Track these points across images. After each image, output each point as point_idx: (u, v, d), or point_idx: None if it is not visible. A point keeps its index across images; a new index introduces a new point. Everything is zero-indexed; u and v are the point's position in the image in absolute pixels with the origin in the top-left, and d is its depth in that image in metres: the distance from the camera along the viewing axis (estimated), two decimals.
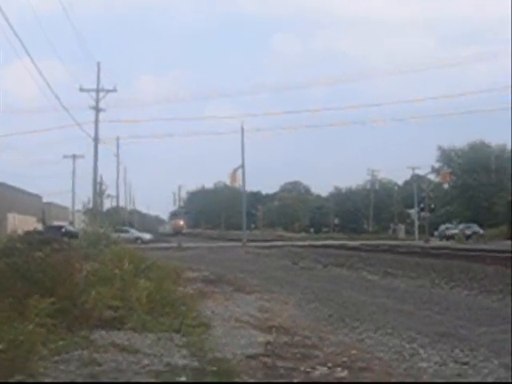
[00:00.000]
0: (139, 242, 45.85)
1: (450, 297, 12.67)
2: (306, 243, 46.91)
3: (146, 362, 6.06)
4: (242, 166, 48.26)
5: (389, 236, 76.03)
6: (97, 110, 42.26)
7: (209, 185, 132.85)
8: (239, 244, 44.73)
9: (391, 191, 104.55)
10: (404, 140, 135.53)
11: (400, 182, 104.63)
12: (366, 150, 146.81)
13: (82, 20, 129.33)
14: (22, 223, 46.88)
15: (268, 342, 7.43)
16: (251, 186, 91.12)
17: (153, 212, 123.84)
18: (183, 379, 5.51)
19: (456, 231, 63.41)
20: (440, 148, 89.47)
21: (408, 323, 9.18)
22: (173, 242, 48.05)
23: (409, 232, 75.28)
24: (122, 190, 72.24)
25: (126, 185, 78.93)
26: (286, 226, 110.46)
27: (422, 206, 75.58)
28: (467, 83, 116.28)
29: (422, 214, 75.72)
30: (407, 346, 7.50)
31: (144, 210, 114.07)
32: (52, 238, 15.47)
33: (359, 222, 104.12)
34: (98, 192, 39.28)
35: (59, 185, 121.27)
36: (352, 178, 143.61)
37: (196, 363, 6.11)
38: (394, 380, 5.95)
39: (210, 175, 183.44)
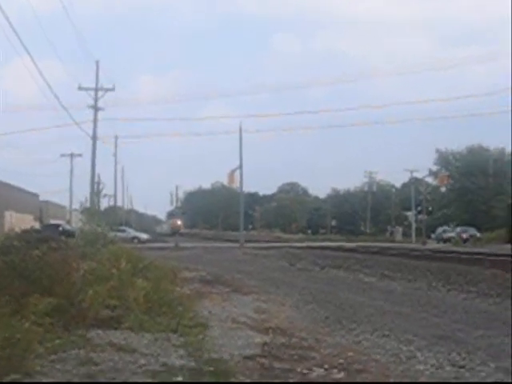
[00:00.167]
0: (136, 241, 45.88)
1: (447, 299, 12.67)
2: (304, 244, 46.96)
3: (142, 361, 6.06)
4: (240, 166, 48.27)
5: (386, 238, 76.17)
6: (95, 108, 42.25)
7: (206, 185, 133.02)
8: (236, 245, 44.74)
9: (389, 193, 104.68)
10: (402, 142, 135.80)
11: (398, 185, 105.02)
12: (364, 152, 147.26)
13: (82, 20, 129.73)
14: (19, 221, 46.79)
15: (265, 343, 7.42)
16: (249, 187, 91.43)
17: (150, 212, 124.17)
18: (180, 379, 5.51)
19: (453, 234, 63.56)
20: (438, 151, 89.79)
21: (405, 325, 9.17)
22: (170, 242, 48.06)
23: (406, 234, 75.41)
24: (119, 190, 72.26)
25: (124, 184, 79.04)
26: (283, 227, 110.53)
27: (419, 208, 75.71)
28: (466, 84, 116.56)
29: (420, 216, 75.80)
30: (404, 348, 7.49)
31: (141, 210, 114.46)
32: (49, 236, 15.43)
33: (357, 223, 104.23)
34: (96, 191, 39.22)
35: (58, 183, 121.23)
36: (350, 180, 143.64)
37: (193, 363, 6.10)
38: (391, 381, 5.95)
39: (208, 175, 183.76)
